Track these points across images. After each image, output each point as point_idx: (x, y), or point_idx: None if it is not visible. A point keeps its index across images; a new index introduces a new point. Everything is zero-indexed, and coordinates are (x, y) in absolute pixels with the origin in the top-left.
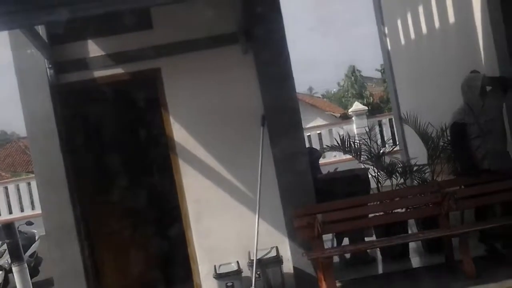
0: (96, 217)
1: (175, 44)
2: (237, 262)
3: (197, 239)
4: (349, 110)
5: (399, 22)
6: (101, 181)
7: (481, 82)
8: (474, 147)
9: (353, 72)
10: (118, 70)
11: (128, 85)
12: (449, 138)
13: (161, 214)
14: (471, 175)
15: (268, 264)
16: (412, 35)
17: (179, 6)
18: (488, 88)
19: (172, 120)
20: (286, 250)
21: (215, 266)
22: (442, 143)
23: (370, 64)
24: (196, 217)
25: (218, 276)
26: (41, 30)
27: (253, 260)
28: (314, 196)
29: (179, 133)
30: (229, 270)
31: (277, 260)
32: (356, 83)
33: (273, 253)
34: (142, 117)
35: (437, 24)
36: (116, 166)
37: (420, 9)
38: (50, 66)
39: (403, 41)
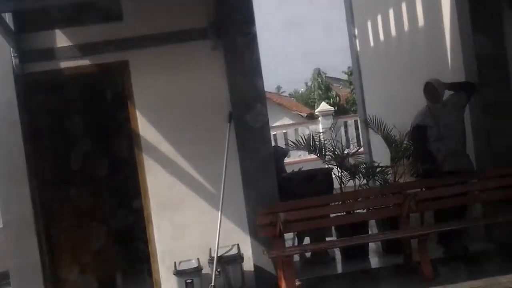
0: (56, 210)
1: (145, 37)
2: (198, 259)
3: (158, 235)
4: (316, 111)
5: (369, 24)
6: (62, 174)
7: (440, 86)
8: (435, 150)
9: (319, 73)
10: (85, 62)
11: (95, 77)
12: (411, 140)
13: (122, 209)
14: (431, 177)
15: (228, 262)
16: (382, 37)
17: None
18: (451, 92)
19: (138, 114)
20: (247, 248)
21: (175, 262)
22: (405, 145)
23: (339, 65)
24: (158, 213)
25: (178, 273)
26: (7, 17)
27: (213, 257)
28: (277, 195)
29: (145, 128)
30: (189, 267)
31: (238, 258)
32: (322, 84)
33: (234, 251)
34: (108, 110)
35: (406, 27)
36: (78, 159)
37: (391, 12)
38: (15, 55)
39: (372, 43)
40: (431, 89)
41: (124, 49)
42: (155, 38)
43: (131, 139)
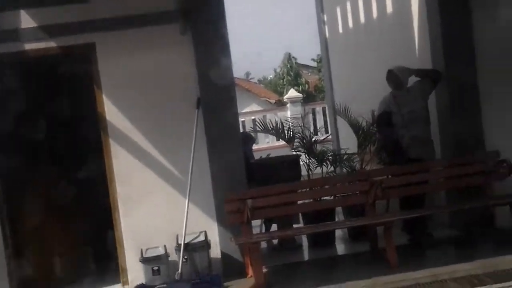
0: (19, 195)
1: (112, 20)
2: (165, 246)
3: (124, 222)
4: (284, 97)
5: (338, 10)
6: (26, 159)
7: (403, 74)
8: (399, 136)
9: (289, 59)
10: (51, 44)
11: (61, 60)
12: (376, 126)
13: (88, 196)
14: (396, 164)
15: (196, 249)
16: (351, 24)
17: None
18: (416, 79)
19: (105, 98)
20: (214, 235)
21: (141, 250)
22: (371, 133)
23: (308, 52)
24: (124, 199)
25: (145, 260)
26: None
27: (180, 244)
28: (245, 182)
29: (112, 112)
30: (156, 254)
31: (205, 244)
32: (292, 71)
33: (202, 238)
34: (74, 94)
35: (375, 13)
36: (43, 144)
37: None
38: None
39: (341, 30)
40: (393, 77)
41: (90, 31)
42: (123, 20)
43: (98, 124)
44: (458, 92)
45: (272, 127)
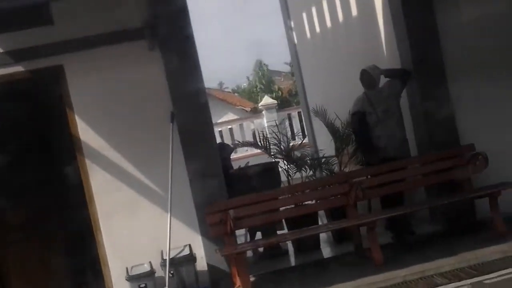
0: None
1: (78, 40)
2: (150, 262)
3: (107, 242)
4: (259, 104)
5: (304, 16)
6: (1, 185)
7: (375, 73)
8: (375, 136)
9: (260, 66)
10: (18, 68)
11: (30, 84)
12: (351, 127)
13: (69, 218)
14: (374, 164)
15: (181, 263)
16: (318, 29)
17: (82, 1)
18: (387, 79)
19: (77, 118)
20: (199, 248)
21: (127, 268)
22: (347, 134)
23: (279, 58)
24: (106, 219)
25: (131, 278)
26: None
27: (166, 259)
28: (226, 192)
29: (86, 132)
30: (142, 272)
31: (191, 258)
32: (264, 78)
33: (186, 251)
34: (46, 117)
35: (340, 17)
36: (18, 169)
37: (324, 3)
38: None
39: (309, 35)
40: (367, 76)
41: (57, 53)
42: (89, 40)
43: (73, 145)
44: (428, 89)
45: (250, 139)
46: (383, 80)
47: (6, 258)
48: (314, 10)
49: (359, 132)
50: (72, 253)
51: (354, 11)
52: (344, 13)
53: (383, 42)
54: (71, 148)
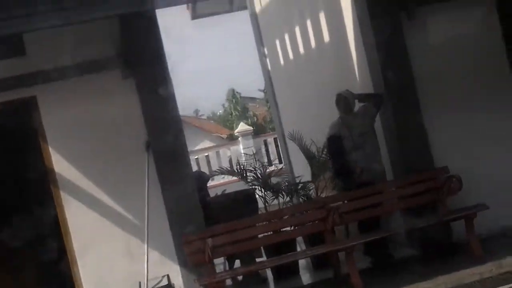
0: None
1: (51, 71)
2: None
3: (84, 275)
4: (235, 131)
5: (277, 43)
6: None
7: (351, 97)
8: (351, 160)
9: (233, 94)
10: None
11: (2, 115)
12: (327, 152)
13: (44, 251)
14: (351, 188)
15: None
16: (291, 56)
17: (54, 31)
18: (361, 104)
19: (51, 150)
20: (178, 278)
21: None
22: (323, 159)
23: (254, 85)
24: (82, 251)
25: None
26: None
27: None
28: (203, 221)
29: (60, 164)
30: None
31: None
32: (238, 105)
33: (165, 282)
34: (19, 149)
35: (313, 43)
36: None
37: (297, 30)
38: None
39: (282, 62)
40: (343, 100)
41: (30, 84)
42: (62, 70)
43: (47, 178)
44: (402, 113)
45: (227, 168)
46: (357, 105)
47: None
48: (287, 37)
49: (335, 156)
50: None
51: (326, 37)
52: (317, 40)
53: (355, 67)
54: (45, 180)
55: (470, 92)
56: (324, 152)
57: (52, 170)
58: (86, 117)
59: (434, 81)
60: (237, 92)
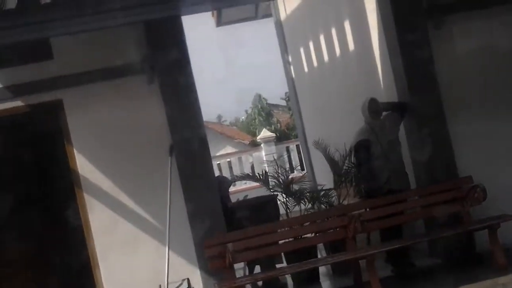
0: None
1: (78, 75)
2: None
3: (105, 276)
4: (258, 137)
5: (302, 50)
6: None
7: (379, 106)
8: (378, 168)
9: (259, 100)
10: (17, 103)
11: (29, 118)
12: (353, 160)
13: (67, 253)
14: (375, 196)
15: None
16: (315, 63)
17: (81, 36)
18: (387, 112)
19: (76, 153)
20: (198, 282)
21: None
22: (346, 167)
23: (277, 92)
24: (103, 253)
25: None
26: None
27: None
28: (224, 225)
29: (84, 166)
30: None
31: None
32: (263, 111)
33: (185, 286)
34: (44, 151)
35: (338, 52)
36: (15, 203)
37: (322, 38)
38: None
39: (306, 69)
40: (375, 105)
41: (56, 88)
42: (88, 75)
43: (71, 179)
44: (426, 122)
45: (248, 173)
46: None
47: None
48: (311, 44)
49: (363, 162)
50: None
51: (351, 45)
52: (341, 48)
53: (380, 76)
54: (70, 183)
55: (495, 102)
56: (348, 160)
57: (76, 172)
58: (110, 121)
59: (460, 90)
60: (263, 98)
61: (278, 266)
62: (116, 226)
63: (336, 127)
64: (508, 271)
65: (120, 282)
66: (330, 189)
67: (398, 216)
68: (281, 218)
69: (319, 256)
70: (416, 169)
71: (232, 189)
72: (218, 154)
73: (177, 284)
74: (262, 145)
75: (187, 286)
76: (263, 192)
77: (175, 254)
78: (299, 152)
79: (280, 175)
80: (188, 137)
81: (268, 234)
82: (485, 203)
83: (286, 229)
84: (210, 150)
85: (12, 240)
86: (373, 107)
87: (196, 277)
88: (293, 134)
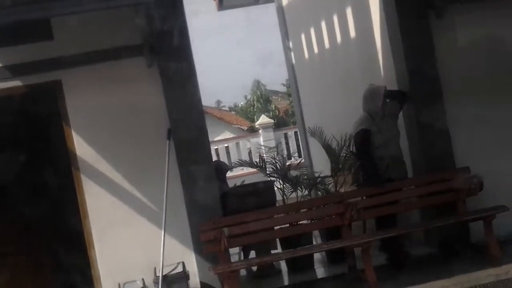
0: None
1: (77, 56)
2: (143, 279)
3: (100, 258)
4: (256, 123)
5: (303, 36)
6: None
7: (384, 93)
8: (378, 156)
9: (258, 86)
10: (16, 83)
11: (27, 99)
12: (352, 148)
13: (62, 233)
14: (373, 185)
15: (174, 280)
16: (316, 49)
17: (82, 17)
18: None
19: (74, 133)
20: (192, 265)
21: (119, 284)
22: (344, 155)
23: (276, 78)
24: (99, 235)
25: None
26: None
27: (159, 276)
28: (220, 210)
29: (82, 148)
30: None
31: (184, 275)
32: (261, 97)
33: (180, 269)
34: (42, 131)
35: (339, 38)
36: (11, 183)
37: (323, 24)
38: None
39: (307, 55)
40: (379, 93)
41: (56, 68)
42: (88, 56)
43: (68, 160)
44: (425, 111)
45: (246, 159)
46: None
47: None
48: (312, 31)
49: (364, 150)
50: (64, 269)
51: (352, 33)
52: (342, 35)
53: (380, 64)
54: (67, 163)
55: (496, 93)
56: (346, 147)
57: (74, 154)
58: (109, 103)
59: (460, 81)
60: (262, 84)
61: (273, 252)
62: (113, 208)
63: (335, 114)
64: (501, 263)
65: (115, 263)
66: (327, 176)
67: (394, 205)
68: (277, 204)
69: (314, 243)
70: (414, 158)
71: (229, 174)
72: (216, 139)
73: (172, 267)
74: (260, 131)
75: (181, 269)
76: (260, 178)
77: (171, 237)
78: (297, 139)
79: (277, 161)
80: (186, 121)
81: (264, 220)
82: (482, 194)
83: (282, 215)
84: (208, 134)
85: (8, 220)
86: (377, 95)
87: (191, 260)
88: (291, 120)
